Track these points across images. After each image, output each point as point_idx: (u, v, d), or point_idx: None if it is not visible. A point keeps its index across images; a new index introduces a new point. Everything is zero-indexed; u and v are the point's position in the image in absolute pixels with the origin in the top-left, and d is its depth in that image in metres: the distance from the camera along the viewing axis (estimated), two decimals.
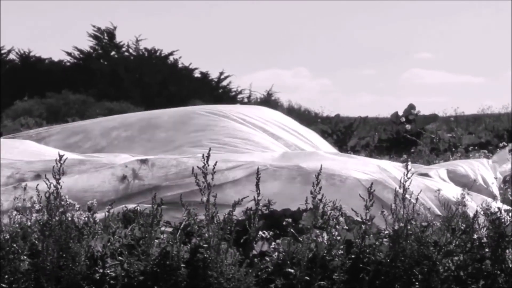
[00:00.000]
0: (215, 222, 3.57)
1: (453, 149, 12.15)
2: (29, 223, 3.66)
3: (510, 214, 3.89)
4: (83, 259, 3.56)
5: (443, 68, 55.23)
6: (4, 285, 3.48)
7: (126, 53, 38.49)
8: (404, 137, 13.48)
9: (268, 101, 34.39)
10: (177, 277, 3.56)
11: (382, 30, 54.30)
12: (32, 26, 53.22)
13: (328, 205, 4.22)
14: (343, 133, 14.64)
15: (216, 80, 38.75)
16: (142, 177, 5.23)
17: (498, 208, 3.89)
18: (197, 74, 38.70)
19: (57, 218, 3.59)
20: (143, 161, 5.32)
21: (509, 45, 51.77)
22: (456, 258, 3.74)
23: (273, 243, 3.86)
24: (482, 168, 6.43)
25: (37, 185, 3.85)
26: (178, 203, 3.75)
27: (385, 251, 3.73)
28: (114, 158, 5.62)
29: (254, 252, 3.83)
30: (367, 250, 3.74)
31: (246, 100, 37.89)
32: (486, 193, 5.91)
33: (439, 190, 4.98)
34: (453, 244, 3.75)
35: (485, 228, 3.81)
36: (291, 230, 4.07)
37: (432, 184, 5.29)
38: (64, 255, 3.56)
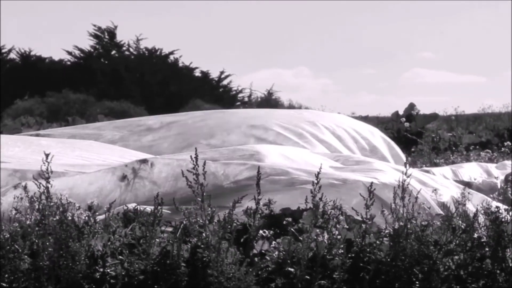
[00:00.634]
0: (215, 221, 3.58)
1: (454, 148, 12.16)
2: (28, 222, 3.66)
3: (510, 213, 3.89)
4: (83, 258, 3.56)
5: (444, 68, 55.29)
6: (4, 284, 3.48)
7: (127, 53, 38.52)
8: (404, 136, 13.49)
9: (269, 101, 34.40)
10: (177, 276, 3.56)
11: (383, 29, 54.33)
12: (32, 25, 53.25)
13: (328, 204, 4.21)
14: None
15: (216, 79, 38.77)
16: (142, 177, 5.23)
17: (498, 207, 3.89)
18: (197, 73, 38.74)
19: (52, 218, 3.59)
20: (143, 161, 5.32)
21: (509, 44, 51.85)
22: (456, 257, 3.74)
23: (274, 242, 3.86)
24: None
25: (25, 183, 3.85)
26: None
27: (385, 250, 3.73)
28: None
29: (255, 251, 3.84)
30: (368, 249, 3.74)
31: (246, 99, 37.92)
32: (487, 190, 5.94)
33: (436, 190, 4.98)
34: (454, 243, 3.75)
35: (485, 227, 3.81)
36: (292, 229, 4.07)
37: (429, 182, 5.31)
38: (64, 254, 3.56)
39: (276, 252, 3.73)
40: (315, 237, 3.66)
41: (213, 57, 52.11)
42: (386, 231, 3.81)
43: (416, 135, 13.46)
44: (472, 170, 7.03)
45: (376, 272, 3.68)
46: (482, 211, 3.84)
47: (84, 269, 3.56)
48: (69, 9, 51.65)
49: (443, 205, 4.93)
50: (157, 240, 3.66)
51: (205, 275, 3.51)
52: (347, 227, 3.99)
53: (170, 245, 3.59)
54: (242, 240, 3.82)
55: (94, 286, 3.58)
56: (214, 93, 36.80)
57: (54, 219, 3.60)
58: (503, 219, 3.76)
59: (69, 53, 37.76)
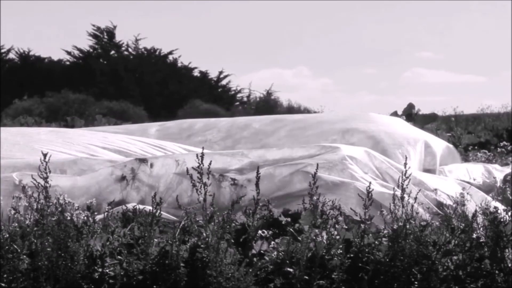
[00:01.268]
0: (214, 221, 3.58)
1: None
2: (27, 222, 3.66)
3: (509, 213, 3.90)
4: (82, 258, 3.56)
5: (444, 68, 55.27)
6: (3, 285, 3.48)
7: (126, 53, 38.50)
8: None
9: (268, 101, 34.37)
10: (176, 276, 3.56)
11: (382, 29, 54.31)
12: (31, 25, 53.22)
13: (327, 205, 4.22)
14: None
15: (215, 79, 38.75)
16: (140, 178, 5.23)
17: (496, 207, 3.89)
18: (196, 73, 38.71)
19: (54, 218, 3.59)
20: (142, 161, 5.33)
21: (509, 44, 51.80)
22: (455, 257, 3.74)
23: (272, 242, 3.86)
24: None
25: (23, 182, 3.84)
26: None
27: (384, 251, 3.73)
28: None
29: (254, 251, 3.84)
30: (366, 250, 3.74)
31: (245, 99, 37.91)
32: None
33: (436, 189, 4.98)
34: (452, 244, 3.75)
35: (484, 228, 3.81)
36: (290, 229, 4.07)
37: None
38: (63, 254, 3.56)
39: (275, 252, 3.73)
40: (314, 237, 3.66)
41: (212, 57, 52.06)
42: (385, 231, 3.81)
43: None
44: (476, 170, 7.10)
45: (375, 273, 3.68)
46: (481, 212, 3.84)
47: (83, 269, 3.56)
48: (68, 9, 51.63)
49: (442, 205, 4.94)
50: (156, 240, 3.66)
51: (204, 275, 3.51)
52: (346, 227, 4.00)
53: (169, 245, 3.59)
54: (241, 240, 3.82)
55: (93, 286, 3.57)
56: (213, 93, 36.77)
57: (53, 219, 3.59)
58: (501, 220, 3.76)
59: (68, 53, 37.76)
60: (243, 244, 3.82)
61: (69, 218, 3.63)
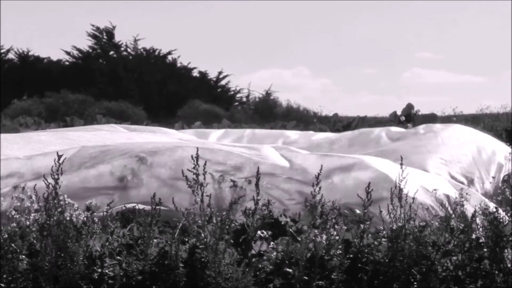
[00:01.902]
0: (213, 222, 3.58)
1: None
2: (27, 223, 3.66)
3: (509, 213, 3.90)
4: (81, 258, 3.56)
5: (443, 68, 55.29)
6: (2, 285, 3.48)
7: (125, 53, 38.50)
8: None
9: (267, 101, 34.36)
10: (176, 276, 3.56)
11: (382, 29, 54.32)
12: (31, 25, 53.22)
13: (327, 205, 4.21)
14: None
15: (214, 79, 38.76)
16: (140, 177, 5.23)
17: (496, 207, 3.89)
18: (195, 73, 38.73)
19: (55, 218, 3.59)
20: (141, 159, 5.32)
21: (509, 45, 51.83)
22: (454, 258, 3.74)
23: (272, 243, 3.86)
24: None
25: (35, 185, 3.84)
26: None
27: (383, 251, 3.73)
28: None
29: (253, 251, 3.83)
30: (366, 250, 3.74)
31: (244, 99, 37.90)
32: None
33: (435, 190, 4.98)
34: (452, 244, 3.75)
35: (483, 228, 3.81)
36: (290, 230, 4.07)
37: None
38: (62, 254, 3.56)
39: (275, 253, 3.73)
40: (313, 238, 3.66)
41: (211, 57, 52.07)
42: (384, 232, 3.81)
43: None
44: None
45: (375, 273, 3.68)
46: (480, 212, 3.84)
47: (82, 270, 3.56)
48: (68, 9, 51.62)
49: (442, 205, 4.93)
50: (155, 240, 3.66)
51: (203, 275, 3.51)
52: (345, 227, 3.99)
53: (168, 246, 3.59)
54: (240, 240, 3.82)
55: (92, 287, 3.57)
56: (212, 93, 36.77)
57: (52, 219, 3.59)
58: (501, 220, 3.76)
59: (68, 53, 37.77)
60: (243, 244, 3.82)
61: (68, 218, 3.63)
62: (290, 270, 3.62)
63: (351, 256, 3.71)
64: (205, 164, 3.60)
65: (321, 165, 3.97)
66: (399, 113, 14.38)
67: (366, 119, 19.54)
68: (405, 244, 3.69)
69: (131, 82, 35.92)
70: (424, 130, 8.17)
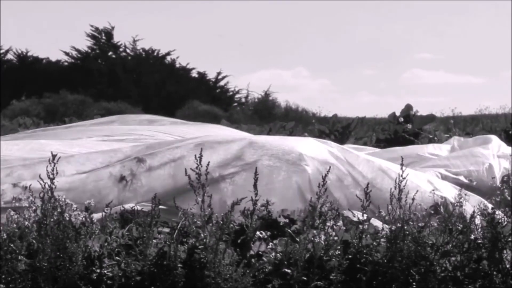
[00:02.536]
0: (213, 222, 3.57)
1: None
2: (26, 223, 3.66)
3: (507, 214, 3.90)
4: (80, 259, 3.56)
5: (442, 69, 55.32)
6: (1, 285, 3.48)
7: (124, 53, 38.51)
8: (402, 137, 13.48)
9: (266, 102, 34.38)
10: (174, 277, 3.56)
11: (382, 30, 54.34)
12: (30, 26, 53.21)
13: (325, 205, 4.21)
14: (340, 133, 14.64)
15: (213, 80, 38.77)
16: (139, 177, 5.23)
17: (494, 208, 3.89)
18: (194, 74, 38.74)
19: (54, 218, 3.59)
20: (140, 160, 5.32)
21: (508, 45, 51.82)
22: (453, 258, 3.74)
23: (271, 243, 3.86)
24: None
25: (30, 185, 3.84)
26: None
27: (382, 252, 3.73)
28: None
29: (252, 252, 3.83)
30: (364, 251, 3.74)
31: (243, 100, 37.91)
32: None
33: (433, 190, 4.99)
34: (450, 245, 3.75)
35: (481, 229, 3.81)
36: (289, 230, 4.07)
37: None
38: (61, 255, 3.56)
39: (273, 253, 3.73)
40: (312, 238, 3.66)
41: (210, 57, 52.13)
42: (383, 232, 3.81)
43: (413, 136, 13.45)
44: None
45: (373, 273, 3.68)
46: (479, 213, 3.85)
47: (81, 270, 3.56)
48: (67, 10, 51.64)
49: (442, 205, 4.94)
50: (154, 241, 3.66)
51: (202, 276, 3.51)
52: (344, 228, 3.99)
53: (167, 246, 3.59)
54: (239, 241, 3.82)
55: (91, 287, 3.57)
56: (211, 94, 36.79)
57: (52, 219, 3.59)
58: (499, 221, 3.76)
59: (66, 53, 37.79)
60: (241, 245, 3.82)
61: (67, 218, 3.63)
62: (289, 271, 3.62)
63: (350, 256, 3.71)
64: (207, 164, 3.61)
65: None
66: (398, 114, 14.36)
67: (365, 120, 19.56)
68: (404, 244, 3.69)
69: (130, 83, 35.93)
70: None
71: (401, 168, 3.83)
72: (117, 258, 3.66)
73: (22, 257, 3.53)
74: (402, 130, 13.70)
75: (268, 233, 3.96)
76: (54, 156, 3.61)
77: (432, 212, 4.82)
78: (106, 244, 3.72)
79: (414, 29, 55.46)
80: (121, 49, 38.44)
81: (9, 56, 37.06)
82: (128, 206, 4.76)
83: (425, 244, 3.71)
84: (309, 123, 20.26)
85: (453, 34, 54.99)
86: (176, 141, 5.95)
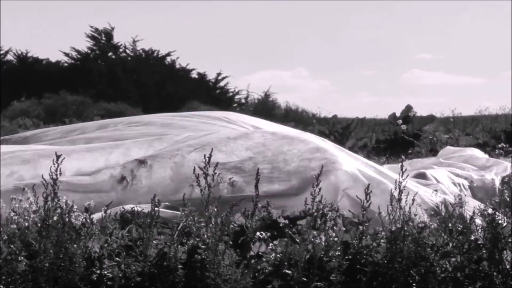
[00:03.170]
0: (213, 223, 3.57)
1: None
2: (26, 224, 3.66)
3: (507, 215, 3.90)
4: (80, 260, 3.56)
5: (442, 69, 55.33)
6: (1, 286, 3.48)
7: (124, 54, 38.51)
8: (401, 138, 13.50)
9: (266, 102, 34.40)
10: (175, 278, 3.56)
11: (381, 30, 54.35)
12: (29, 26, 53.21)
13: (326, 206, 4.21)
14: (340, 134, 14.65)
15: (213, 81, 38.76)
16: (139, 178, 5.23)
17: (494, 209, 3.89)
18: (194, 74, 38.74)
19: (54, 219, 3.59)
20: (142, 162, 5.32)
21: (508, 46, 51.83)
22: (453, 259, 3.74)
23: (271, 244, 3.86)
24: None
25: (33, 185, 3.84)
26: None
27: (382, 252, 3.73)
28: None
29: (252, 253, 3.84)
30: (364, 251, 3.74)
31: (243, 101, 37.91)
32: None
33: (436, 190, 4.99)
34: (450, 246, 3.76)
35: (482, 230, 3.81)
36: (289, 231, 4.07)
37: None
38: (61, 256, 3.56)
39: (273, 254, 3.73)
40: (312, 239, 3.66)
41: (210, 58, 52.12)
42: (383, 233, 3.81)
43: (413, 137, 13.46)
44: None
45: (373, 274, 3.68)
46: (479, 213, 3.85)
47: (81, 271, 3.56)
48: (66, 10, 51.65)
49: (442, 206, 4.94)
50: (154, 241, 3.66)
51: (203, 277, 3.51)
52: (344, 229, 4.00)
53: (167, 247, 3.59)
54: (239, 241, 3.82)
55: None
56: (211, 95, 36.80)
57: (52, 220, 3.59)
58: (499, 221, 3.76)
59: (66, 54, 37.77)
60: (241, 245, 3.82)
61: (67, 219, 3.63)
62: (289, 272, 3.62)
63: (350, 257, 3.71)
64: (216, 166, 3.64)
65: None
66: (398, 114, 14.37)
67: (365, 120, 19.57)
68: (404, 245, 3.69)
69: (129, 83, 35.92)
70: None
71: (401, 169, 3.83)
72: (117, 259, 3.66)
73: (22, 258, 3.53)
74: (402, 131, 13.71)
75: (268, 234, 3.96)
76: (58, 157, 3.61)
77: (432, 213, 4.83)
78: (106, 245, 3.72)
79: (414, 29, 55.48)
80: (121, 50, 38.46)
81: (9, 56, 37.10)
82: (128, 207, 4.76)
83: (425, 244, 3.71)
84: (309, 123, 20.28)
85: (453, 34, 55.01)
86: (177, 142, 5.94)
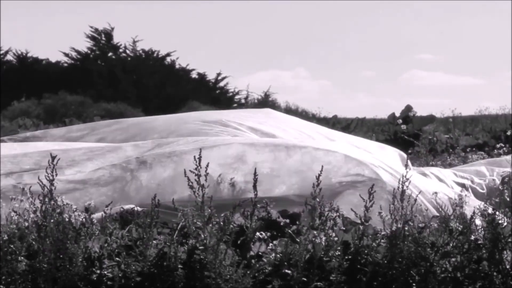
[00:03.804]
0: (213, 223, 3.57)
1: (451, 150, 12.17)
2: (26, 224, 3.66)
3: (507, 215, 3.90)
4: (80, 260, 3.56)
5: (442, 69, 55.31)
6: (1, 286, 3.48)
7: (124, 54, 38.48)
8: (401, 138, 13.49)
9: (266, 102, 34.39)
10: (174, 278, 3.56)
11: (381, 31, 54.34)
12: (29, 26, 53.20)
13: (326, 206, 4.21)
14: None
15: (213, 81, 38.75)
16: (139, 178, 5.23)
17: (494, 209, 3.89)
18: (194, 75, 38.70)
19: (52, 219, 3.59)
20: (142, 162, 5.32)
21: (508, 46, 51.81)
22: (453, 259, 3.74)
23: (271, 244, 3.86)
24: None
25: (30, 186, 3.84)
26: None
27: (382, 252, 3.73)
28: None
29: (252, 253, 3.84)
30: (364, 251, 3.74)
31: (243, 101, 37.91)
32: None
33: (436, 192, 4.99)
34: (450, 245, 3.76)
35: (482, 229, 3.81)
36: (289, 231, 4.07)
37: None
38: (61, 256, 3.56)
39: (273, 254, 3.73)
40: (312, 239, 3.66)
41: (210, 58, 52.09)
42: (383, 233, 3.81)
43: (413, 137, 13.46)
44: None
45: (373, 274, 3.68)
46: (479, 213, 3.85)
47: (81, 271, 3.56)
48: (66, 10, 51.65)
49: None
50: (154, 241, 3.66)
51: (202, 277, 3.51)
52: (344, 228, 4.00)
53: (167, 247, 3.59)
54: (239, 242, 3.82)
55: None
56: (211, 95, 36.76)
57: (52, 220, 3.59)
58: (499, 221, 3.76)
59: (66, 54, 37.73)
60: (241, 245, 3.82)
61: (67, 219, 3.63)
62: (289, 272, 3.62)
63: (350, 257, 3.71)
64: (207, 165, 3.62)
65: None
66: (397, 114, 14.37)
67: (365, 120, 19.57)
68: (404, 245, 3.69)
69: (129, 84, 35.91)
70: None
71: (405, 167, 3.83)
72: (117, 259, 3.66)
73: (22, 258, 3.53)
74: (401, 131, 13.71)
75: (268, 233, 3.96)
76: (53, 158, 3.61)
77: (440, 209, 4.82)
78: (106, 245, 3.72)
79: (414, 29, 55.43)
80: (120, 50, 38.40)
81: (9, 57, 37.04)
82: (128, 207, 4.76)
83: (425, 244, 3.71)
84: None
85: (453, 34, 54.97)
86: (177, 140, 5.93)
